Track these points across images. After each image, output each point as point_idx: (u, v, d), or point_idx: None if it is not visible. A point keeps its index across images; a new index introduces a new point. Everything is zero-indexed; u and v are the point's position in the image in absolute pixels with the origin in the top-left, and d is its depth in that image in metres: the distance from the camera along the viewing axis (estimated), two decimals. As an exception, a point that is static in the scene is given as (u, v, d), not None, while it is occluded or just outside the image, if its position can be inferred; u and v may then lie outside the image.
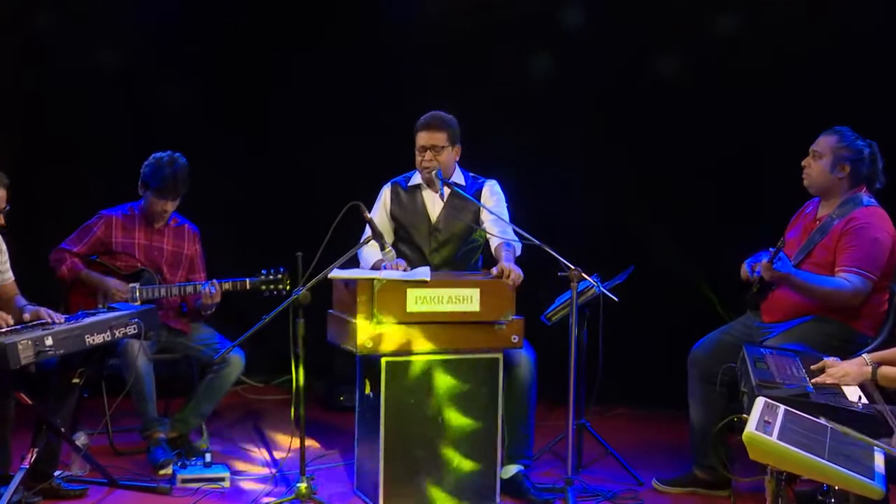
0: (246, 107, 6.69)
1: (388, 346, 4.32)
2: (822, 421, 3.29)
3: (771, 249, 4.51)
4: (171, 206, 5.23)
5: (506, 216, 4.84)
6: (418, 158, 4.87)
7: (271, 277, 5.24)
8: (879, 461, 3.09)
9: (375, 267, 4.66)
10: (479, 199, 4.87)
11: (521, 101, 6.44)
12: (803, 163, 4.71)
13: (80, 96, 6.34)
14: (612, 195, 6.40)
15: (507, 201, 4.94)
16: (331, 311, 4.62)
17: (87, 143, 6.33)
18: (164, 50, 6.53)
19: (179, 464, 4.83)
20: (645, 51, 6.37)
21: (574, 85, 6.40)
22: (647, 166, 6.40)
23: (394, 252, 4.53)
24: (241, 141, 6.69)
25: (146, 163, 5.22)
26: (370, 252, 4.75)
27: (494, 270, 4.46)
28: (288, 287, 5.20)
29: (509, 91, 6.44)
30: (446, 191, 4.83)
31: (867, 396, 3.68)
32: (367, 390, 4.48)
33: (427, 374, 4.40)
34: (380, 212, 4.96)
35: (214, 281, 5.16)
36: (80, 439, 4.89)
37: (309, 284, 4.23)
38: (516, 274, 4.42)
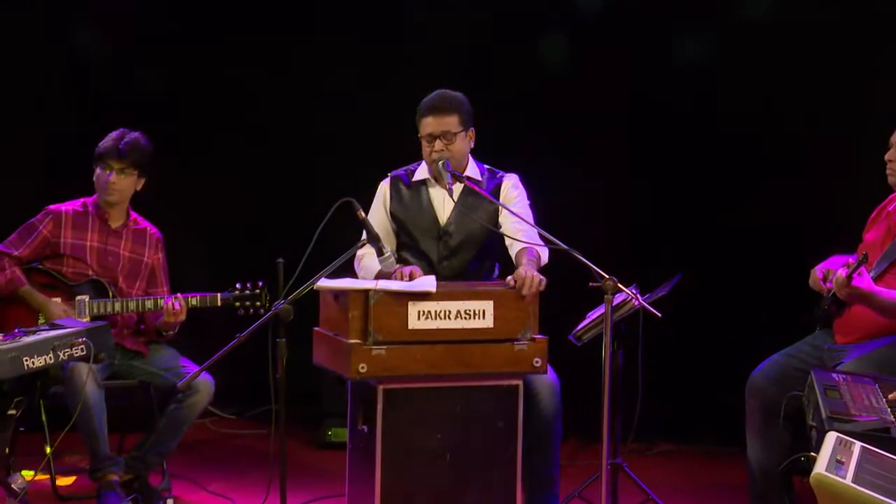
0: (216, 92, 6.78)
1: (385, 370, 4.32)
2: (906, 461, 3.29)
3: (850, 259, 4.50)
4: (118, 180, 5.24)
5: (530, 217, 4.85)
6: (426, 149, 4.87)
7: (247, 293, 5.26)
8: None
9: (380, 278, 4.65)
10: (497, 196, 4.88)
11: (543, 90, 6.52)
12: (887, 157, 4.71)
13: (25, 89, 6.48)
14: (654, 191, 6.42)
15: (529, 199, 4.96)
16: (317, 328, 4.63)
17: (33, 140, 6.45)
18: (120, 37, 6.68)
19: (136, 511, 4.85)
20: (679, 37, 6.48)
21: (600, 71, 6.52)
22: (691, 159, 6.43)
23: (394, 258, 4.54)
24: (210, 132, 6.75)
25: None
26: (373, 260, 4.71)
27: (511, 279, 4.47)
28: (267, 303, 5.23)
29: (528, 80, 6.55)
30: (457, 187, 4.83)
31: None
32: (361, 424, 4.49)
33: (432, 404, 4.40)
34: (378, 211, 4.97)
35: (178, 295, 5.18)
36: (17, 482, 4.89)
37: (292, 297, 4.23)
38: (537, 280, 4.41)
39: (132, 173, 5.27)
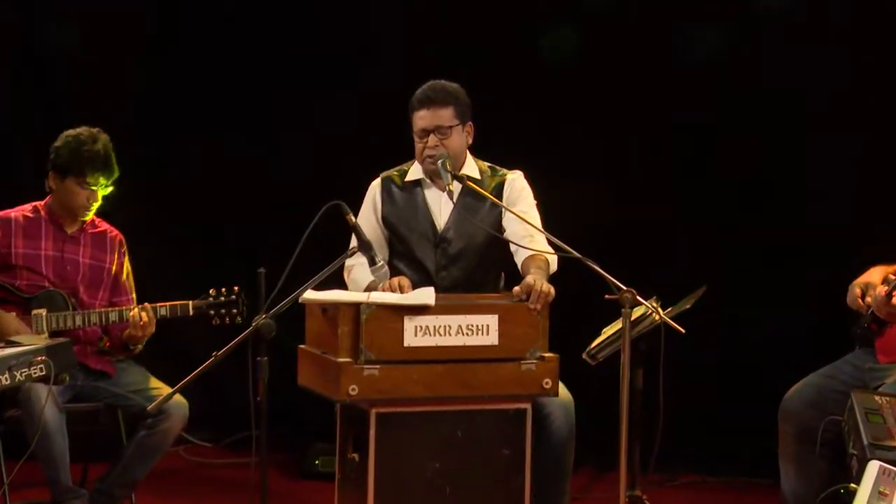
0: (190, 86, 6.82)
1: (378, 392, 4.32)
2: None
3: (890, 273, 4.51)
4: (98, 196, 5.24)
5: (537, 220, 4.84)
6: (419, 146, 4.87)
7: (223, 300, 5.26)
8: None
9: (371, 290, 4.65)
10: (500, 197, 4.88)
11: (548, 83, 6.55)
12: None
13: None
14: (672, 192, 6.44)
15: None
16: (303, 346, 4.62)
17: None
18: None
19: (101, 549, 4.83)
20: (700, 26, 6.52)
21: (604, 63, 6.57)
22: (716, 154, 6.45)
23: (387, 269, 4.54)
24: (183, 127, 6.77)
25: (56, 144, 5.24)
26: (363, 271, 4.71)
27: (518, 290, 4.46)
28: (244, 309, 5.22)
29: (530, 71, 6.58)
30: (456, 188, 4.82)
31: None
32: (351, 451, 4.48)
33: (430, 429, 4.39)
34: (368, 216, 4.96)
35: (146, 304, 5.17)
36: (-30, 516, 4.89)
37: (274, 311, 4.23)
38: (547, 291, 4.40)
39: (110, 187, 5.27)
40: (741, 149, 6.50)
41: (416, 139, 4.87)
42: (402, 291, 4.52)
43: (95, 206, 5.26)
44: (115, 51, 6.84)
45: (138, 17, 6.86)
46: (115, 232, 5.44)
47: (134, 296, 5.43)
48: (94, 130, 5.23)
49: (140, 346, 5.28)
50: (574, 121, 6.62)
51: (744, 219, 6.47)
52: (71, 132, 5.24)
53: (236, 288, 5.27)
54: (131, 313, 5.15)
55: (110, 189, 5.26)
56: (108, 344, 5.34)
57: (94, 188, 5.20)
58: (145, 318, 5.14)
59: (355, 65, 6.88)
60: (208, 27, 6.94)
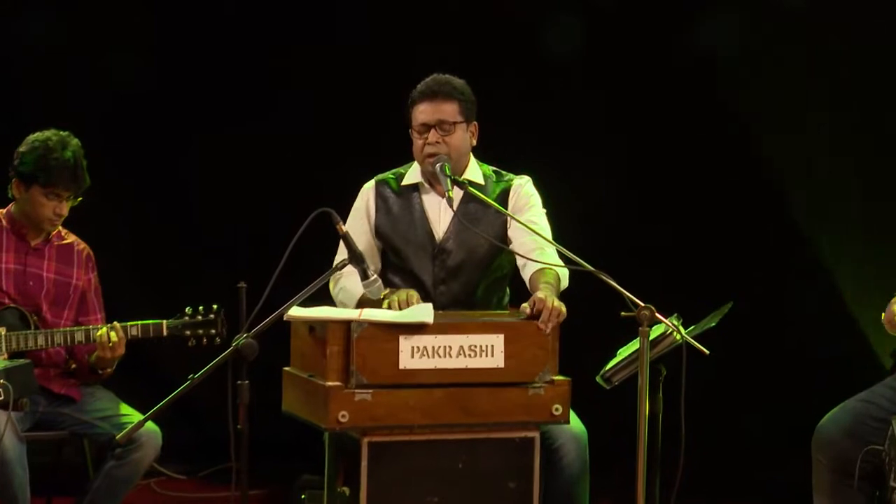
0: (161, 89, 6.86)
1: (371, 419, 4.31)
2: None
3: None
4: (65, 208, 5.24)
5: (547, 230, 4.85)
6: (418, 143, 4.87)
7: (200, 318, 5.26)
8: None
9: (363, 305, 4.65)
10: (505, 204, 4.88)
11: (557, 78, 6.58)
12: None
13: None
14: (698, 200, 6.43)
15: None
16: (287, 368, 4.62)
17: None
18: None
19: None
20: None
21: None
22: (742, 164, 6.46)
23: (381, 282, 4.53)
24: (154, 127, 6.78)
25: (21, 149, 5.23)
26: (353, 281, 4.69)
27: (526, 307, 4.45)
28: (224, 330, 5.21)
29: (537, 67, 6.62)
30: (457, 193, 4.82)
31: None
32: (341, 486, 4.47)
33: (428, 460, 4.39)
34: (359, 225, 4.96)
35: (116, 324, 5.17)
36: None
37: (256, 329, 4.23)
38: (556, 308, 4.40)
39: (79, 197, 5.26)
40: (779, 153, 6.51)
41: (416, 135, 4.87)
42: (407, 306, 4.51)
43: (59, 220, 5.26)
44: (88, 47, 6.86)
45: (113, 9, 6.86)
46: (83, 245, 5.44)
47: (103, 314, 5.44)
48: (64, 134, 5.23)
49: (110, 370, 5.28)
50: (588, 121, 6.62)
51: (776, 230, 6.45)
52: (38, 136, 5.22)
53: (215, 306, 5.27)
54: (98, 333, 5.15)
55: (80, 200, 5.25)
56: (74, 366, 5.34)
57: (62, 200, 5.20)
58: (114, 339, 5.14)
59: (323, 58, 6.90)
60: (190, 29, 6.96)
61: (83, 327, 5.23)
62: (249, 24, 6.99)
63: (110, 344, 5.14)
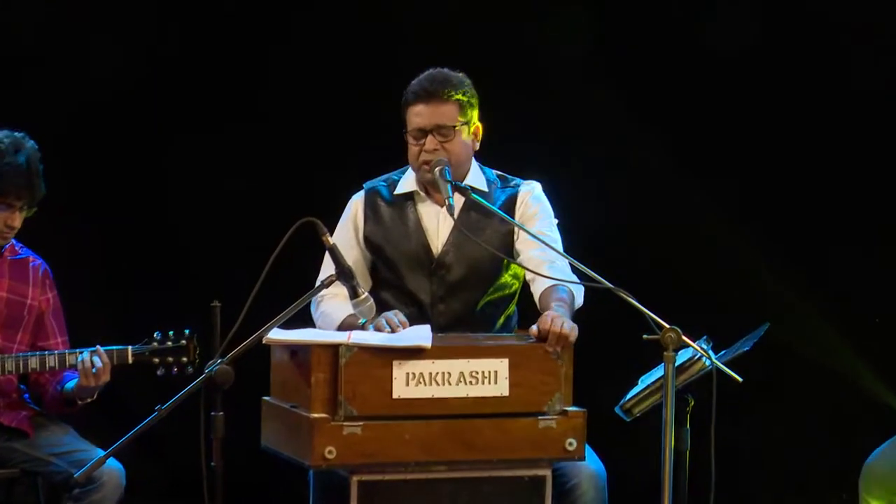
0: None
1: (361, 455, 4.30)
2: None
3: None
4: (18, 219, 5.25)
5: (558, 242, 4.85)
6: (413, 149, 4.88)
7: (170, 345, 5.27)
8: None
9: (347, 327, 4.64)
10: (511, 213, 4.88)
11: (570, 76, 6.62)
12: None
13: None
14: (728, 212, 6.44)
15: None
16: (267, 398, 4.62)
17: None
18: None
19: None
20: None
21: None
22: (781, 169, 6.48)
23: (373, 302, 4.52)
24: (119, 132, 6.80)
25: None
26: (335, 305, 4.73)
27: (534, 329, 4.44)
28: (197, 360, 5.21)
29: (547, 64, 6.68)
30: (458, 201, 4.83)
31: None
32: (328, 529, 4.48)
33: (425, 501, 4.39)
34: (347, 236, 4.99)
35: (99, 348, 5.18)
36: None
37: (232, 354, 4.22)
38: (567, 329, 4.38)
39: (34, 207, 5.27)
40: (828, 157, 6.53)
41: (411, 141, 4.88)
42: (397, 330, 4.50)
43: (12, 232, 5.26)
44: (52, 41, 6.88)
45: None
46: (39, 261, 5.46)
47: (66, 338, 5.46)
48: (18, 136, 5.24)
49: (90, 400, 5.28)
50: (602, 122, 6.63)
51: (812, 237, 6.47)
52: None
53: (186, 331, 5.28)
54: (82, 360, 5.15)
55: (34, 210, 5.25)
56: (27, 396, 5.34)
57: (14, 210, 5.20)
58: (99, 365, 5.13)
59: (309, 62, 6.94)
60: (172, 29, 7.01)
61: (39, 354, 5.23)
62: (234, 21, 7.02)
63: (94, 370, 5.14)
